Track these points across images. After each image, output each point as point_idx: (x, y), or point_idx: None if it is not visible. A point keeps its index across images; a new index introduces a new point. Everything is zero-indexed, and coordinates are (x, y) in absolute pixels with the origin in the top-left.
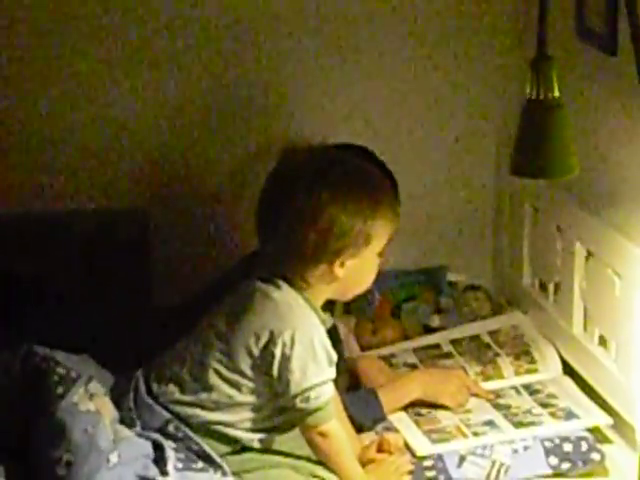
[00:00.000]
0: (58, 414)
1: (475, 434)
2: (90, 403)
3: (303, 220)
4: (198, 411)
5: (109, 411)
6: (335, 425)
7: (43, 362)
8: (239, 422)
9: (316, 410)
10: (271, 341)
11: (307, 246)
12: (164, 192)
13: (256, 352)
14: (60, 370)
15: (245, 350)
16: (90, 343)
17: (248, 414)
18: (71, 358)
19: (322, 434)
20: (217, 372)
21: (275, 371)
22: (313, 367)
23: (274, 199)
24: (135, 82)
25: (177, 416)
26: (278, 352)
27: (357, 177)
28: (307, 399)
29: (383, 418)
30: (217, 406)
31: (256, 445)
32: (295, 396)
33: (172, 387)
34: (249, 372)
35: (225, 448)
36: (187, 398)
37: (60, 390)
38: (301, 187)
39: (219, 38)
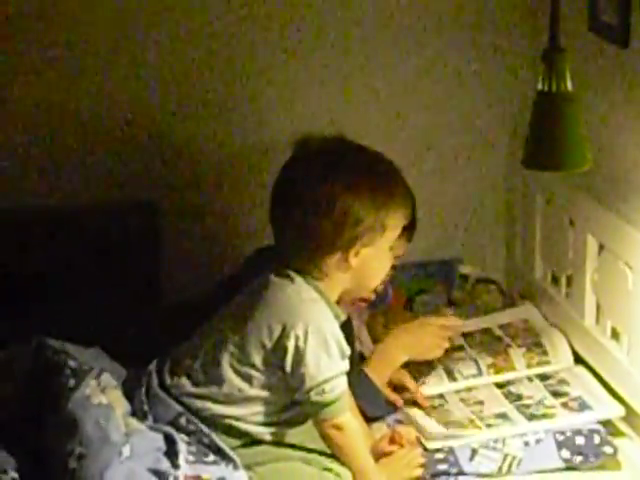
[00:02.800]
0: (70, 407)
1: (488, 426)
2: (102, 396)
3: (318, 209)
4: (209, 404)
5: (121, 404)
6: (349, 418)
7: (55, 355)
8: (250, 416)
9: (331, 403)
10: (284, 335)
11: (322, 235)
12: (173, 185)
13: (269, 345)
14: (72, 363)
15: (258, 343)
16: (101, 337)
17: (259, 408)
18: (83, 351)
19: (337, 427)
20: (229, 365)
21: (288, 365)
22: (327, 360)
23: (288, 189)
24: (143, 74)
25: (189, 409)
26: (291, 346)
27: (371, 167)
28: (322, 392)
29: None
30: (228, 399)
31: (267, 438)
32: (310, 389)
33: (184, 380)
34: (261, 366)
35: (236, 441)
36: (199, 391)
37: (72, 383)
38: (315, 176)
39: (223, 32)
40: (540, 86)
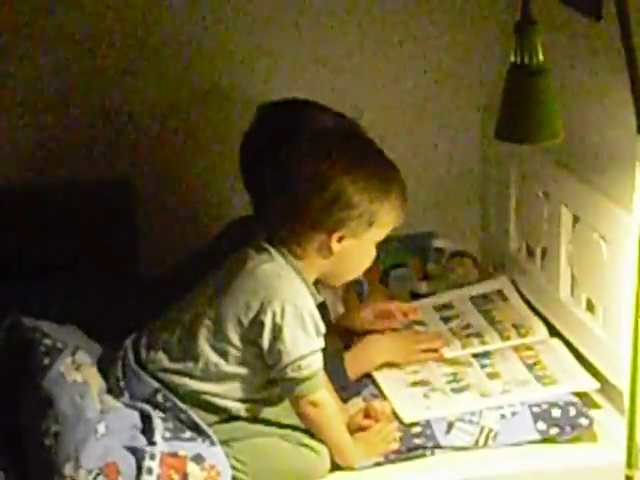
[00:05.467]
0: (45, 385)
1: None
2: (77, 373)
3: (312, 184)
4: (186, 380)
5: (96, 381)
6: (325, 394)
7: (29, 333)
8: (227, 392)
9: (306, 379)
10: (261, 310)
11: (311, 210)
12: (148, 160)
13: (245, 321)
14: (46, 341)
15: (235, 319)
16: (76, 314)
17: (235, 385)
18: (57, 328)
19: (313, 403)
20: (205, 340)
21: (265, 341)
22: (303, 337)
23: (281, 157)
24: (114, 52)
25: (165, 385)
26: (268, 322)
27: (374, 158)
28: (298, 368)
29: (347, 386)
30: (205, 375)
31: (244, 414)
32: (286, 366)
33: (161, 354)
34: (237, 341)
35: (213, 417)
36: (175, 366)
37: (47, 361)
38: (318, 152)
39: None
40: (512, 59)
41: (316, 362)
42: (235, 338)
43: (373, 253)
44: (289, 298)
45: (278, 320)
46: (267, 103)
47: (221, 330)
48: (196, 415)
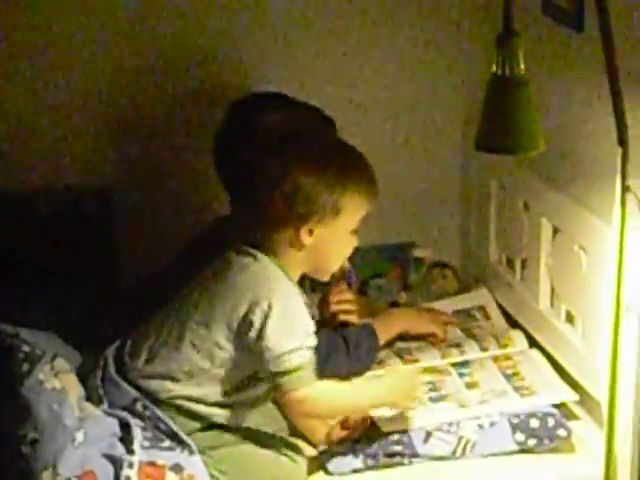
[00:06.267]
0: (23, 392)
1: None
2: (56, 380)
3: (270, 184)
4: (168, 384)
5: (75, 388)
6: (315, 389)
7: (8, 339)
8: (209, 396)
9: (289, 372)
10: (249, 311)
11: (274, 208)
12: (127, 169)
13: (235, 324)
14: (25, 347)
15: (224, 322)
16: (56, 321)
17: (218, 387)
18: (36, 335)
19: (298, 400)
20: (192, 343)
21: (252, 339)
22: (288, 334)
23: (242, 161)
24: (96, 56)
25: (146, 392)
26: (257, 320)
27: (328, 149)
28: (281, 362)
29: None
30: (188, 378)
31: (224, 421)
32: (269, 361)
33: (144, 360)
34: (225, 344)
35: (194, 424)
36: (158, 369)
37: (25, 368)
38: (271, 150)
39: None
40: (494, 69)
41: (302, 357)
42: (223, 340)
43: (353, 241)
44: (277, 296)
45: (265, 318)
46: (235, 100)
47: (209, 334)
48: (177, 423)
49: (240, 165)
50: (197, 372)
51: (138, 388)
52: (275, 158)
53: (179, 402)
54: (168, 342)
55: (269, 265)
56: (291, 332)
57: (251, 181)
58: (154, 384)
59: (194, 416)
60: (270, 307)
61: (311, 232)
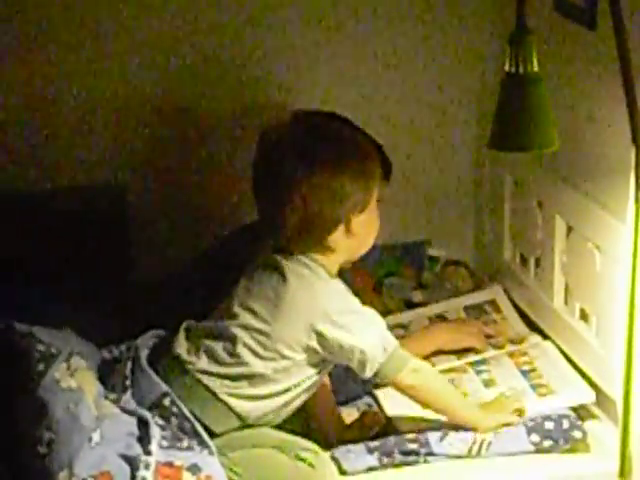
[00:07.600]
0: (39, 392)
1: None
2: (71, 380)
3: (317, 193)
4: (227, 382)
5: (92, 387)
6: (413, 366)
7: (22, 339)
8: (261, 396)
9: (385, 364)
10: (321, 336)
11: (318, 218)
12: (142, 167)
13: (304, 340)
14: (40, 347)
15: (291, 338)
16: (71, 320)
17: (267, 388)
18: (52, 333)
19: (406, 384)
20: (252, 351)
21: (331, 350)
22: (360, 329)
23: (278, 172)
24: (112, 58)
25: (206, 387)
26: (329, 332)
27: (341, 144)
28: (375, 358)
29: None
30: (246, 381)
31: (250, 421)
32: (364, 363)
33: (204, 358)
34: (292, 354)
35: (232, 423)
36: (218, 370)
37: (41, 367)
38: (287, 165)
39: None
40: (507, 67)
41: (387, 344)
42: (290, 353)
43: (377, 217)
44: (334, 305)
45: (338, 330)
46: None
47: (273, 345)
48: (219, 423)
49: (273, 183)
50: (256, 377)
51: (198, 382)
52: (303, 171)
53: (220, 397)
54: (227, 346)
55: (316, 268)
56: (362, 326)
57: (288, 196)
58: (207, 380)
59: (238, 416)
60: (339, 313)
61: (348, 226)
